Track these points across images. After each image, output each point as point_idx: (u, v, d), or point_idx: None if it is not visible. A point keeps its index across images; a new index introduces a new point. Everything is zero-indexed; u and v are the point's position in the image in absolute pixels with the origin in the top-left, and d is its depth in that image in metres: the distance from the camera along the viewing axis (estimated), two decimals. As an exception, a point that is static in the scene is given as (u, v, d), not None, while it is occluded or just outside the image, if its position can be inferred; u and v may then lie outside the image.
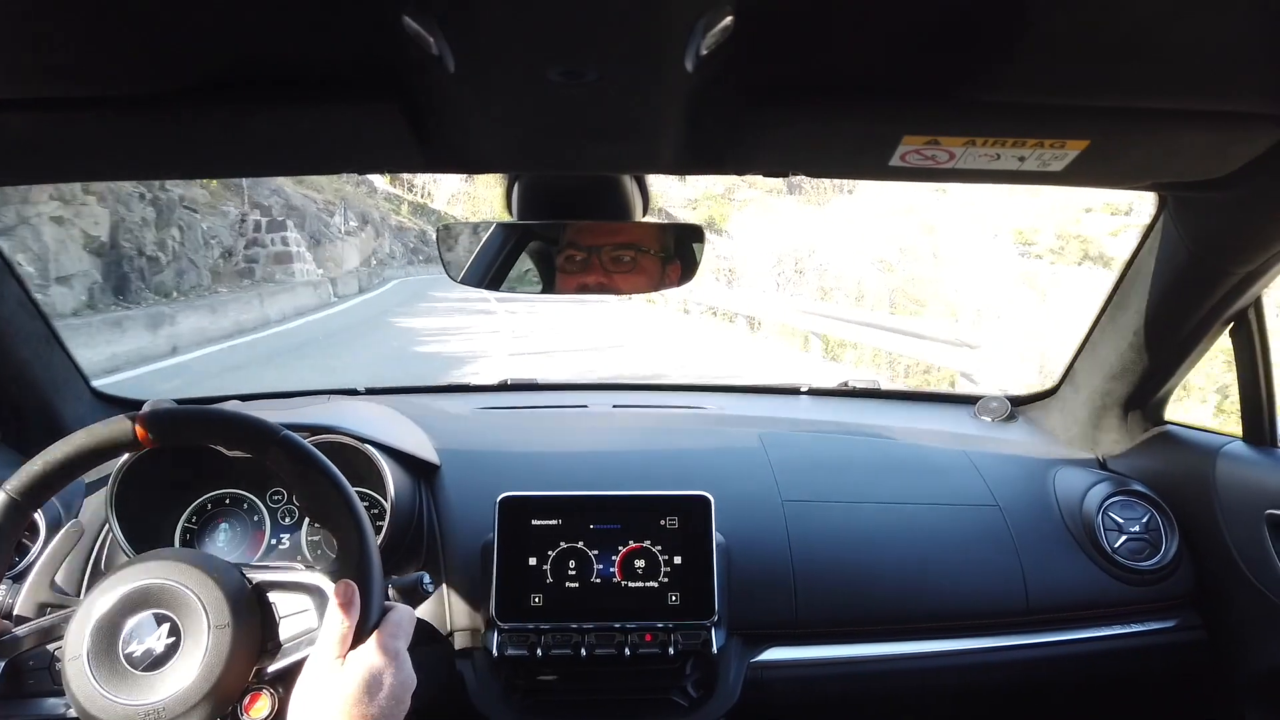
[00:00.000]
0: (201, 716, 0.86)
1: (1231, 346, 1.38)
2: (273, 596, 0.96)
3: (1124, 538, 1.48)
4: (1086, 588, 1.46)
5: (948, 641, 1.41)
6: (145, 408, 0.97)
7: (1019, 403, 1.90)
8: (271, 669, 0.92)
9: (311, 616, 0.95)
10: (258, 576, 0.96)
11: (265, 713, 0.91)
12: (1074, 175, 0.95)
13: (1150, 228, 1.31)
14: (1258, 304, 1.33)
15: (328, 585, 0.95)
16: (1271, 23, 0.70)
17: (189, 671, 0.87)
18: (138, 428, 0.91)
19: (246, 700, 0.91)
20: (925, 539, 1.47)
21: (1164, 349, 1.44)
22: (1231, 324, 1.36)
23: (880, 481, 1.57)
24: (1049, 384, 1.83)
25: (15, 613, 1.21)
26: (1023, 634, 1.43)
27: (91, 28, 0.66)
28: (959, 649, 1.41)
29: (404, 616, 0.96)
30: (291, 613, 0.95)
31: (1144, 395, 1.56)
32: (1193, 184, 1.05)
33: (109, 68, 0.74)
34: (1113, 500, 1.51)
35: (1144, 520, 1.50)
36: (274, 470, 0.96)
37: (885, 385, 2.09)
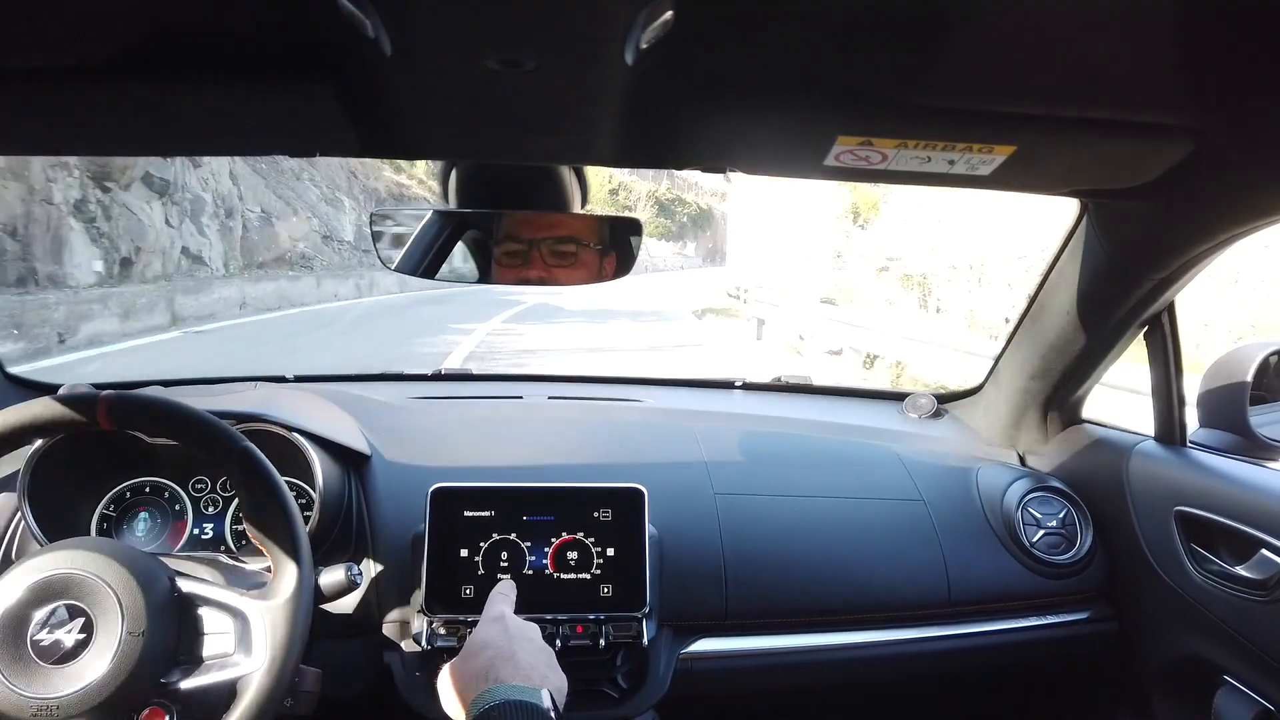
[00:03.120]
0: None
1: (1146, 349, 1.44)
2: (198, 611, 0.93)
3: (1041, 532, 1.53)
4: (1005, 580, 1.50)
5: (872, 632, 1.44)
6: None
7: (945, 400, 1.96)
8: (183, 685, 0.90)
9: (230, 639, 0.93)
10: (187, 586, 0.94)
11: None
12: (1000, 180, 0.98)
13: (1071, 233, 1.36)
14: (1171, 309, 1.39)
15: (252, 610, 0.93)
16: (1184, 40, 0.73)
17: (94, 673, 0.84)
18: (101, 410, 0.91)
19: (145, 713, 0.89)
20: (853, 532, 1.49)
21: (1082, 350, 1.49)
22: (1146, 327, 1.41)
23: (811, 476, 1.59)
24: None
25: None
26: (944, 625, 1.47)
27: None
28: (883, 640, 1.44)
29: (501, 588, 1.15)
30: (213, 632, 0.93)
31: (1063, 395, 1.62)
32: (1112, 192, 1.09)
33: (22, 36, 0.70)
34: (1031, 496, 1.56)
35: (1060, 515, 1.55)
36: (225, 474, 0.96)
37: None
